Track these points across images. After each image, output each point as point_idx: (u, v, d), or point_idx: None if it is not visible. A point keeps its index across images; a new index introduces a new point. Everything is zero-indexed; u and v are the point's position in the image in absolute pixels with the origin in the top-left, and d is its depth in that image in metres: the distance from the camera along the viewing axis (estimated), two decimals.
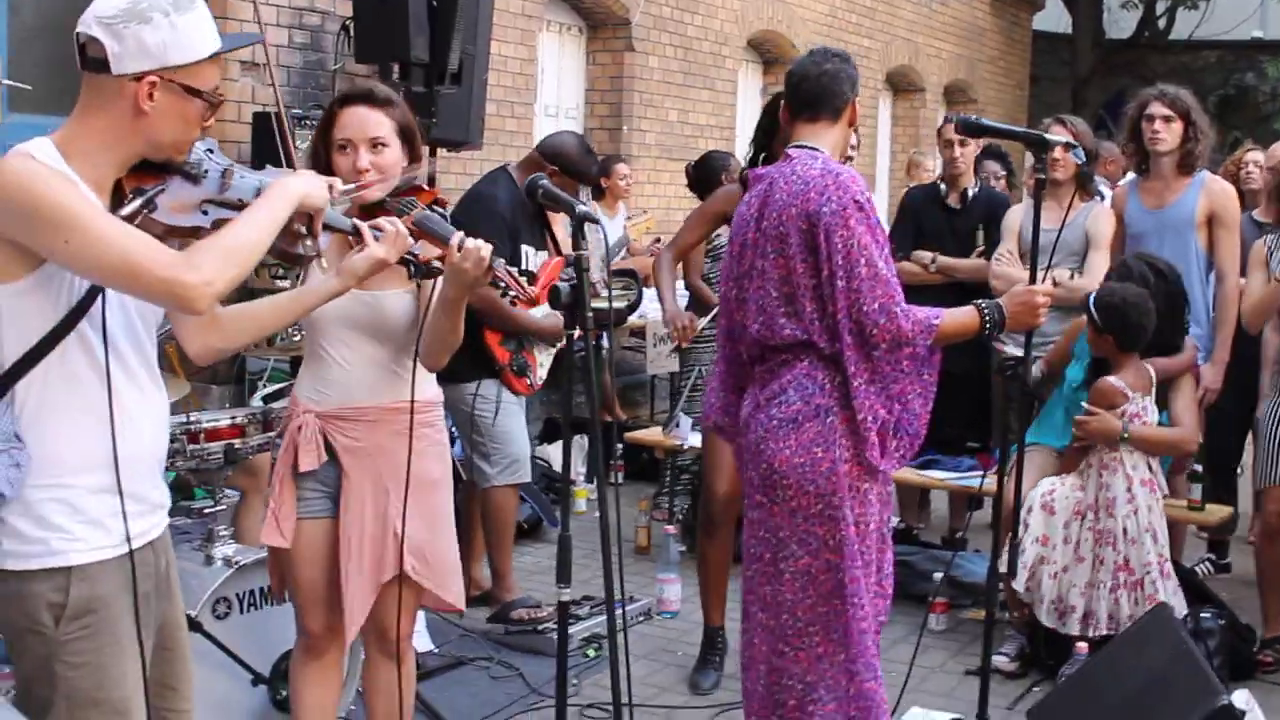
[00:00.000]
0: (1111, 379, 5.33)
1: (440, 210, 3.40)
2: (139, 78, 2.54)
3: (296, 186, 2.80)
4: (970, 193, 6.75)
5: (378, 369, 3.59)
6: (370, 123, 3.55)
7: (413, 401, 3.54)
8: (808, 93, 3.93)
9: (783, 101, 4.06)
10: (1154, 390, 5.41)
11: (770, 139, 4.97)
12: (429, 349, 3.53)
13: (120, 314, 2.65)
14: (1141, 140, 6.12)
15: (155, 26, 2.53)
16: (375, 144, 3.54)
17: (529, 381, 5.74)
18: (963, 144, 6.63)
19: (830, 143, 3.94)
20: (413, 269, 3.25)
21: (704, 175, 7.95)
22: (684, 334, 5.44)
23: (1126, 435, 5.24)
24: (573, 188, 5.74)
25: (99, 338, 2.60)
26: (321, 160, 3.56)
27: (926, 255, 6.69)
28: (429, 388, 3.69)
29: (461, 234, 3.30)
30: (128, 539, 2.66)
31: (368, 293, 3.50)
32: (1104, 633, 5.17)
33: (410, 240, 3.20)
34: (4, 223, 2.47)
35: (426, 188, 3.49)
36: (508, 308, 5.36)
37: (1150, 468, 5.34)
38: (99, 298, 2.59)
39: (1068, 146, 4.08)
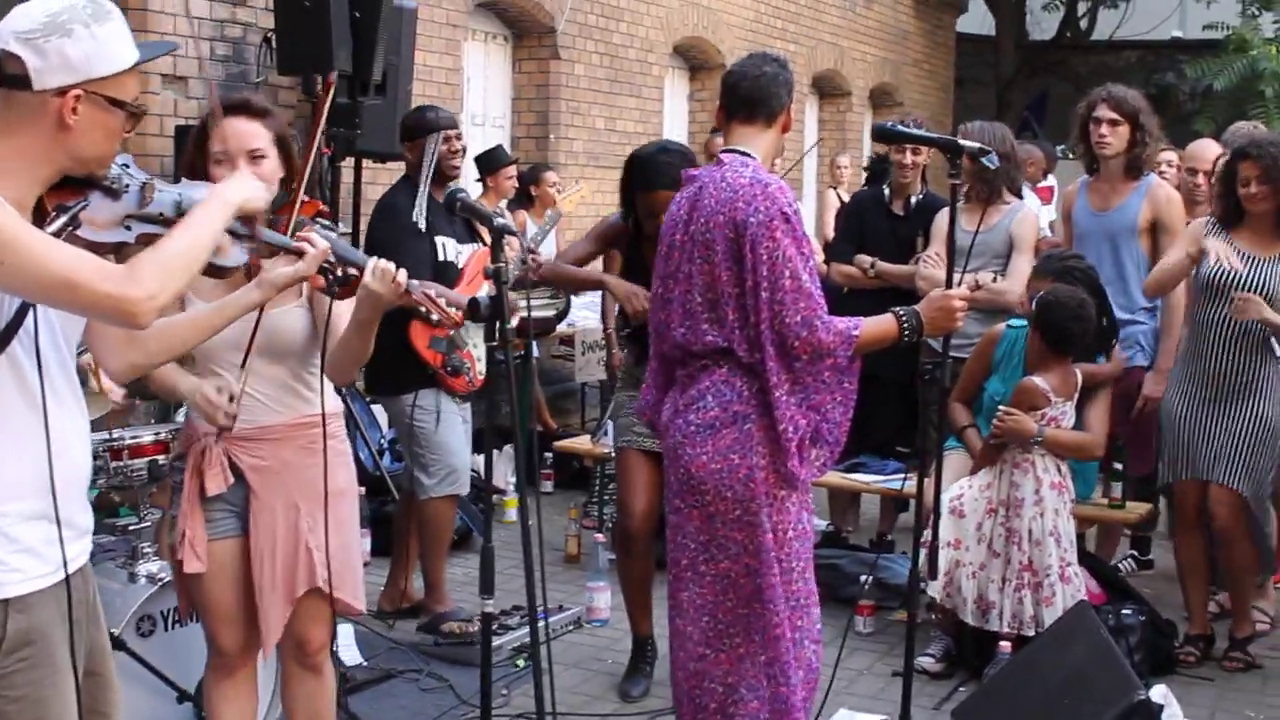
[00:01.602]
0: (1036, 379, 5.35)
1: (326, 222, 3.39)
2: (62, 92, 2.48)
3: (233, 193, 2.77)
4: (914, 200, 6.76)
5: (277, 387, 3.59)
6: (248, 134, 3.49)
7: (324, 415, 3.51)
8: (745, 94, 3.98)
9: (718, 102, 4.09)
10: (1076, 397, 5.46)
11: (633, 204, 5.10)
12: (340, 366, 3.54)
13: (48, 334, 2.58)
14: (1090, 141, 6.12)
15: (77, 39, 2.47)
16: (254, 155, 3.48)
17: (467, 379, 5.73)
18: (915, 152, 6.63)
19: (763, 148, 3.99)
20: (330, 278, 3.25)
21: None
22: (639, 306, 5.01)
23: (1040, 439, 5.30)
24: (419, 149, 5.75)
25: (30, 360, 2.54)
26: (199, 173, 3.44)
27: (866, 260, 6.71)
28: (329, 401, 3.67)
29: (375, 259, 3.31)
30: (64, 565, 2.59)
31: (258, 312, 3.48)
32: (1007, 629, 5.23)
33: (328, 250, 3.20)
34: None
35: (306, 199, 3.42)
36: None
37: (1060, 470, 5.38)
38: (25, 319, 2.52)
39: (981, 152, 4.13)
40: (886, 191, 6.84)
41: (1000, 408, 5.34)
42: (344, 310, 3.52)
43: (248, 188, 2.84)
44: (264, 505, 3.58)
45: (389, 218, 5.67)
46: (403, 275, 3.29)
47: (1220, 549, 5.67)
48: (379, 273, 3.28)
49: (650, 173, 5.01)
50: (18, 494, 2.55)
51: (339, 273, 3.25)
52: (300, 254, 3.16)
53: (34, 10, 2.49)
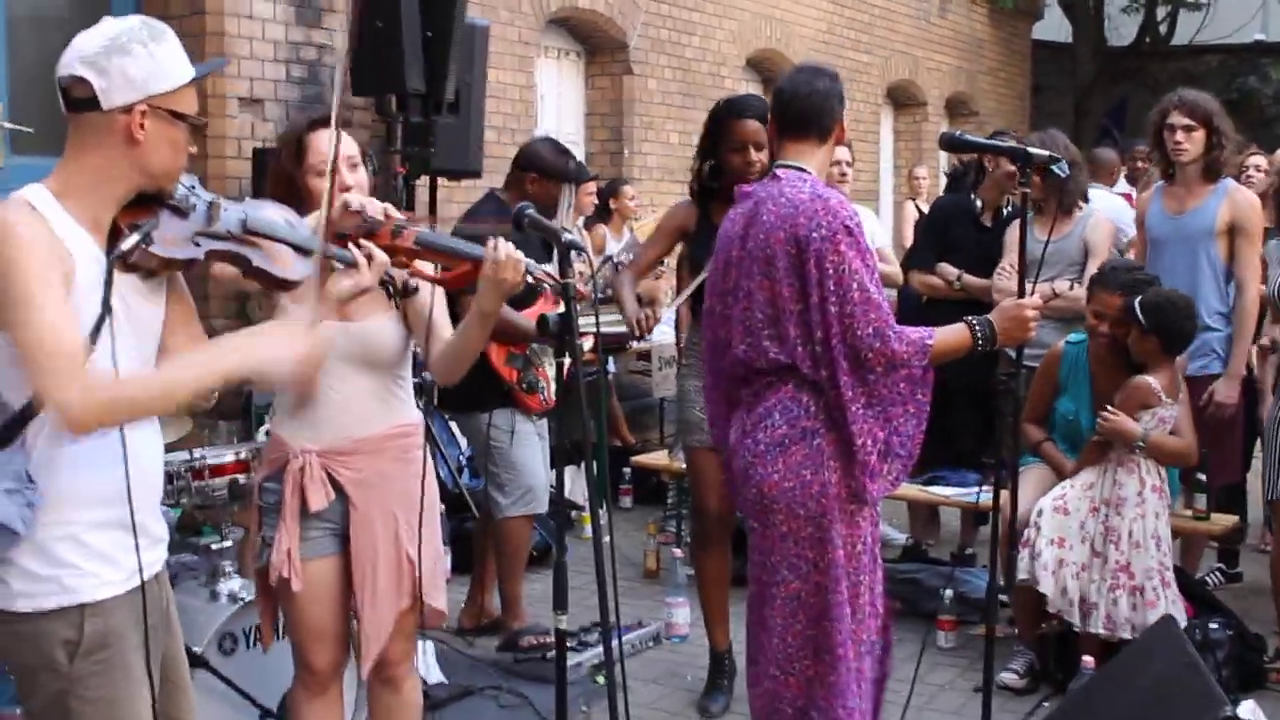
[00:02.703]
0: (1149, 378, 5.28)
1: (416, 226, 3.43)
2: (129, 109, 2.62)
3: (263, 352, 2.74)
4: (1005, 212, 6.66)
5: (370, 398, 3.62)
6: (346, 144, 3.60)
7: (428, 427, 3.63)
8: (797, 113, 3.93)
9: (769, 116, 4.06)
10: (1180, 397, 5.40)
11: (717, 146, 5.06)
12: (454, 362, 3.58)
13: (123, 349, 2.67)
14: (1165, 148, 6.04)
15: (136, 58, 2.62)
16: (351, 163, 3.59)
17: (541, 398, 5.75)
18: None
19: (817, 163, 3.95)
20: (391, 289, 3.28)
21: None
22: (641, 327, 5.23)
23: (1143, 444, 5.23)
24: (555, 189, 5.78)
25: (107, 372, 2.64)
26: (296, 186, 3.56)
27: (952, 271, 6.62)
28: (413, 410, 3.74)
29: (493, 242, 3.32)
30: (140, 571, 2.70)
31: (354, 324, 3.53)
32: (1103, 631, 5.15)
33: (387, 261, 3.23)
34: None
35: (391, 209, 3.49)
36: (515, 317, 5.38)
37: (1160, 475, 5.32)
38: (100, 333, 2.61)
39: (1051, 160, 4.07)
40: (978, 203, 6.75)
41: (1107, 408, 5.29)
42: (440, 311, 3.60)
43: (284, 351, 2.77)
44: (364, 518, 3.60)
45: (468, 230, 5.68)
46: (520, 255, 3.33)
47: None
48: (502, 258, 3.30)
49: (741, 104, 5.12)
50: (90, 502, 2.67)
51: (399, 284, 3.28)
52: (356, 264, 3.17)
53: (94, 36, 2.64)
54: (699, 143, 5.23)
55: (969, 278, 6.55)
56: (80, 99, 2.63)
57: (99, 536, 2.67)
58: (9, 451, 2.60)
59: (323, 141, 3.57)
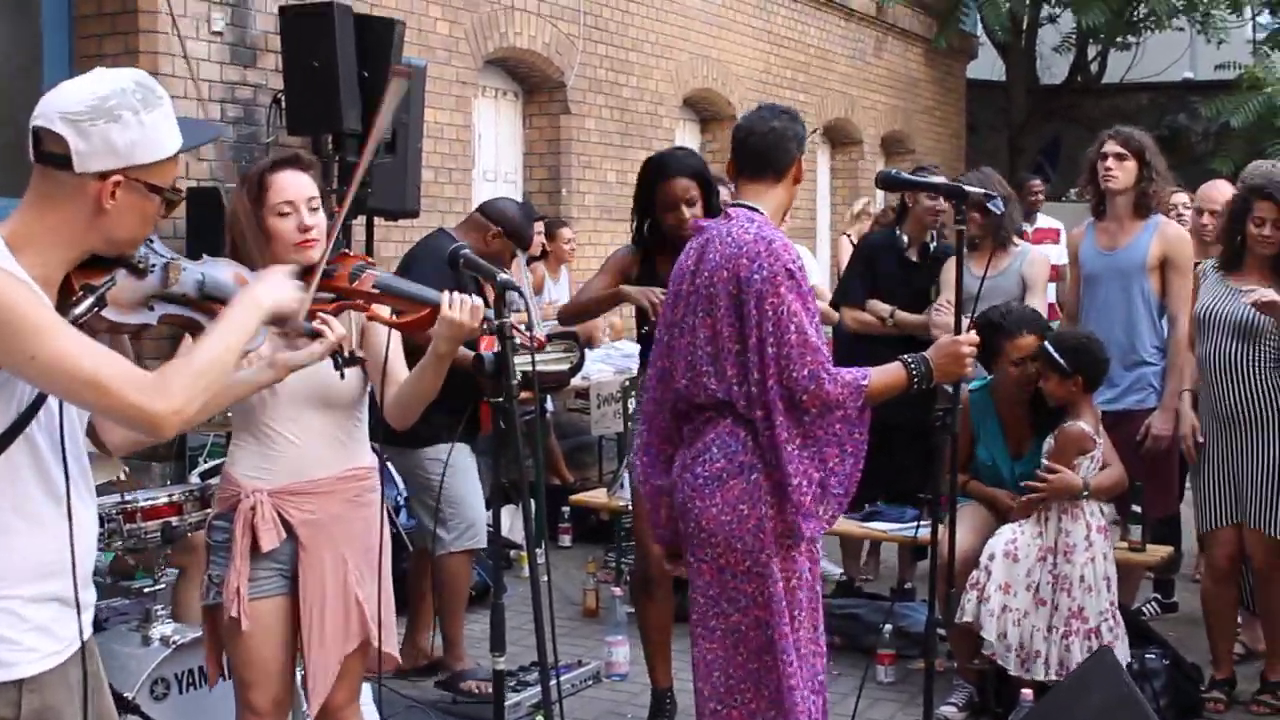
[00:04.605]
0: (1080, 424, 5.29)
1: (378, 271, 3.40)
2: (104, 176, 2.44)
3: (265, 299, 2.73)
4: (931, 248, 6.68)
5: (326, 440, 3.62)
6: (305, 184, 3.60)
7: (382, 463, 3.63)
8: (753, 151, 3.96)
9: (729, 157, 4.07)
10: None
11: (650, 207, 5.10)
12: (407, 405, 3.59)
13: (66, 416, 2.54)
14: (1099, 182, 6.10)
15: (125, 125, 2.44)
16: (312, 204, 3.58)
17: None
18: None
19: (773, 203, 3.98)
20: (339, 360, 3.23)
21: None
22: (655, 309, 5.03)
23: (1087, 494, 5.24)
24: (509, 249, 5.77)
25: (49, 443, 2.51)
26: (254, 228, 3.52)
27: (885, 308, 6.61)
28: (368, 453, 3.73)
29: (447, 292, 3.31)
30: (81, 640, 2.57)
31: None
32: (1054, 678, 5.14)
33: (342, 333, 3.18)
34: None
35: (349, 251, 3.47)
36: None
37: (1103, 513, 5.34)
38: (44, 403, 2.48)
39: (986, 198, 4.11)
40: (905, 238, 6.76)
41: (1045, 463, 5.28)
42: (396, 354, 3.62)
43: (281, 290, 2.81)
44: (313, 559, 3.59)
45: (418, 263, 5.63)
46: (478, 301, 3.33)
47: (1259, 590, 5.60)
48: (458, 303, 3.30)
49: (668, 162, 5.15)
50: (30, 576, 2.51)
51: (345, 354, 3.24)
52: (317, 334, 3.13)
53: (82, 91, 2.46)
54: (634, 201, 5.27)
55: (901, 314, 6.56)
56: (53, 154, 2.43)
57: (35, 610, 2.51)
58: None
59: (285, 181, 3.57)
